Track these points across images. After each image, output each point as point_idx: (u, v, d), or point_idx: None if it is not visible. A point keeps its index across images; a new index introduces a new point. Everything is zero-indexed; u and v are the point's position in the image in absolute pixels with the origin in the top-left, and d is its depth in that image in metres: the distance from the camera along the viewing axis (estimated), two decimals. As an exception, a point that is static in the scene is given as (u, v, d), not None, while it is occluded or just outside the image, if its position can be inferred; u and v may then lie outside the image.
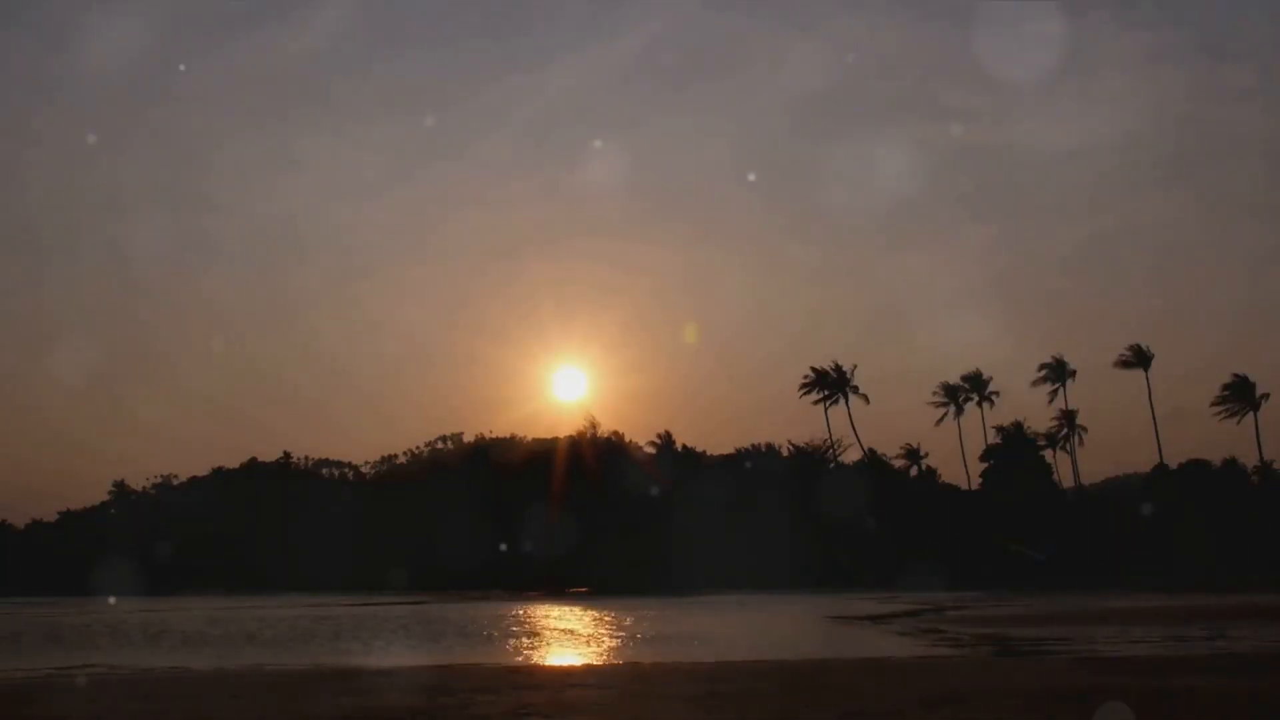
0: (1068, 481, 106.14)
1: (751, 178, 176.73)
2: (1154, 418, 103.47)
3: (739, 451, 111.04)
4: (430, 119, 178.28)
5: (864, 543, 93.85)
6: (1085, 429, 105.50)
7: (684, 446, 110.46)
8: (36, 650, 33.76)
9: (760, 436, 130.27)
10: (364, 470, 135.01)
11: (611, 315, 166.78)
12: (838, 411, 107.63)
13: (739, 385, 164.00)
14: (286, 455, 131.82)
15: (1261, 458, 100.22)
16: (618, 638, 36.37)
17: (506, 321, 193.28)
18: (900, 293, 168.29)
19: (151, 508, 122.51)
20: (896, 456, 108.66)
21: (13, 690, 20.45)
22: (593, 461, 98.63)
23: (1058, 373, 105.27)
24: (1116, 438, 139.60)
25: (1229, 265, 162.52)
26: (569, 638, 37.57)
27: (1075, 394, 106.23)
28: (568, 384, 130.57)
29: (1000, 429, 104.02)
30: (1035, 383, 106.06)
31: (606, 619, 47.78)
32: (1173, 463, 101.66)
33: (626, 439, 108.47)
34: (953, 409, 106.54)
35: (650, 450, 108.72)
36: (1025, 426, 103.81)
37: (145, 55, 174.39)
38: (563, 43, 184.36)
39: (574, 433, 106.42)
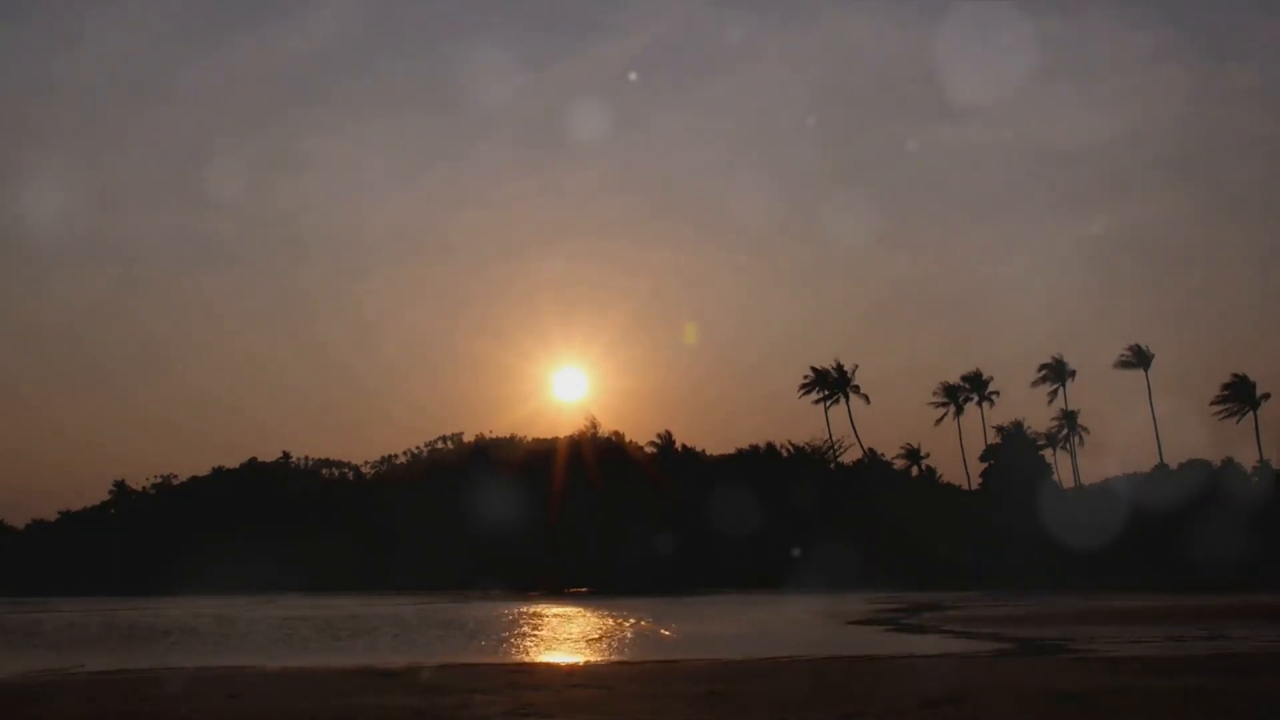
0: (1068, 481, 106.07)
1: (746, 187, 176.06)
2: (1154, 418, 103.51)
3: (739, 451, 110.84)
4: (430, 119, 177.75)
5: (863, 542, 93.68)
6: (1085, 429, 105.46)
7: (684, 446, 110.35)
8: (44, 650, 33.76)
9: (760, 436, 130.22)
10: (364, 470, 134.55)
11: (611, 315, 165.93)
12: (838, 411, 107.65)
13: (739, 385, 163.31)
14: (286, 455, 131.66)
15: (1261, 458, 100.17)
16: (618, 637, 36.37)
17: (507, 322, 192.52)
18: (900, 292, 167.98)
19: (152, 507, 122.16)
20: (896, 456, 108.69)
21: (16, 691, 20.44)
22: (593, 461, 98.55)
23: (1058, 373, 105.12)
24: (1116, 438, 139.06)
25: (1229, 265, 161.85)
26: (569, 637, 37.56)
27: (1075, 394, 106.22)
28: (568, 384, 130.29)
29: (1000, 429, 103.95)
30: (1035, 383, 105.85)
31: (606, 619, 47.77)
32: (1173, 463, 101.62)
33: (626, 439, 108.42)
34: (953, 409, 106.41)
35: (650, 450, 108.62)
36: (1025, 426, 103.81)
37: (145, 55, 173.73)
38: (562, 43, 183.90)
39: (574, 433, 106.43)
